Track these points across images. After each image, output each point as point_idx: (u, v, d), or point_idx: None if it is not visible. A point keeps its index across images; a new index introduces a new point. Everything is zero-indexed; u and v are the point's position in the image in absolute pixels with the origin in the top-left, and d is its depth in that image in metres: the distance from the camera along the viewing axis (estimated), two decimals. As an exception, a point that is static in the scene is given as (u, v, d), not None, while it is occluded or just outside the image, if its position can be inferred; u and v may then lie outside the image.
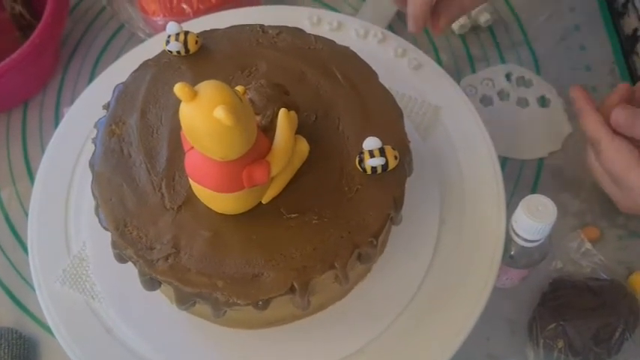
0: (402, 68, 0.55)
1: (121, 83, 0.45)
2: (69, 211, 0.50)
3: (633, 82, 0.62)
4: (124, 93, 0.45)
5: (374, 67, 0.46)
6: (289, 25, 0.47)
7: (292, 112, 0.40)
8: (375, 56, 0.54)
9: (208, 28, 0.48)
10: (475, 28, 0.65)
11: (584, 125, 0.49)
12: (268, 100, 0.40)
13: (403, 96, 0.53)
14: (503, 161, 0.57)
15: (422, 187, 0.48)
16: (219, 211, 0.39)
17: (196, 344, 0.45)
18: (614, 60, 0.63)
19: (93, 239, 0.48)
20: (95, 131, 0.44)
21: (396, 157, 0.39)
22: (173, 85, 0.31)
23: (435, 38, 0.65)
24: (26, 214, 0.54)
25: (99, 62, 0.65)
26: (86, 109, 0.53)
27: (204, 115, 0.32)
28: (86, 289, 0.47)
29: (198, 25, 0.51)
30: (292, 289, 0.37)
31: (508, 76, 0.62)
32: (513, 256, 0.47)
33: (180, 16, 0.61)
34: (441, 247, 0.47)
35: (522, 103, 0.60)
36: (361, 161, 0.39)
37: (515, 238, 0.45)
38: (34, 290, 0.47)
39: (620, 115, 0.46)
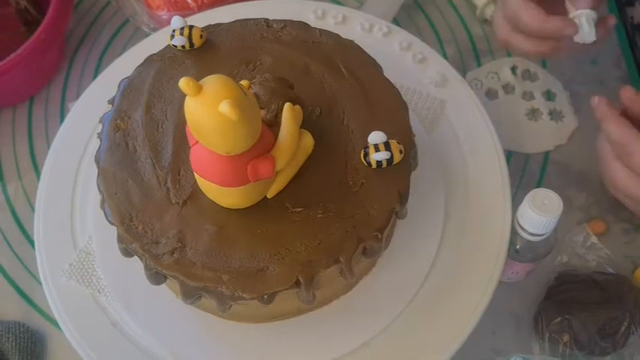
0: (407, 62, 0.55)
1: (126, 78, 0.45)
2: (75, 206, 0.50)
3: (639, 71, 0.62)
4: (128, 88, 0.45)
5: (379, 61, 0.46)
6: (294, 19, 0.47)
7: (297, 107, 0.40)
8: (380, 50, 0.54)
9: (213, 23, 0.47)
10: (481, 22, 0.65)
11: (609, 130, 0.46)
12: (273, 94, 0.40)
13: (408, 90, 0.53)
14: (509, 155, 0.57)
15: (427, 181, 0.48)
16: (225, 206, 0.39)
17: (202, 338, 0.45)
18: (620, 52, 0.62)
19: (99, 234, 0.48)
20: (100, 126, 0.44)
21: (401, 151, 0.39)
22: (178, 80, 0.32)
23: (440, 31, 0.65)
24: (32, 209, 0.54)
25: (104, 57, 0.65)
26: (91, 103, 0.53)
27: (209, 110, 0.32)
28: (92, 283, 0.47)
29: (203, 19, 0.51)
30: (297, 283, 0.37)
31: (513, 70, 0.61)
32: (519, 250, 0.47)
33: (185, 11, 0.61)
34: (446, 241, 0.47)
35: (528, 96, 0.60)
36: (366, 155, 0.39)
37: (521, 232, 0.45)
38: (40, 284, 0.48)
39: (629, 90, 0.47)
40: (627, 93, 0.47)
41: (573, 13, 0.48)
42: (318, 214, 0.39)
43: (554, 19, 0.47)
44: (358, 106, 0.43)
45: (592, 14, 0.48)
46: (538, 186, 0.55)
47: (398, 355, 0.44)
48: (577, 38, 0.48)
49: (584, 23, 0.47)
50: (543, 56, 0.51)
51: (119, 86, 0.45)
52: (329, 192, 0.40)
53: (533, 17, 0.48)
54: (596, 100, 0.48)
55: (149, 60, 0.46)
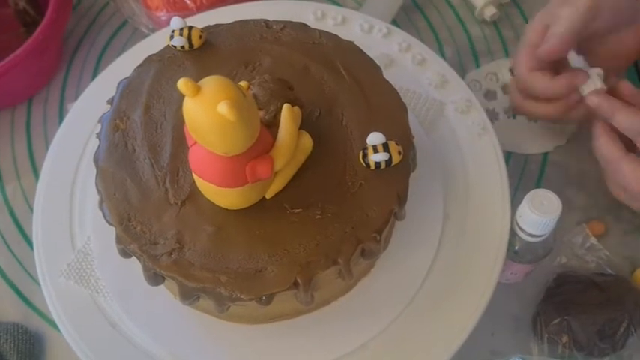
0: (406, 63, 0.55)
1: (125, 78, 0.45)
2: (73, 206, 0.50)
3: (638, 76, 0.62)
4: (127, 88, 0.45)
5: (378, 62, 0.45)
6: (293, 20, 0.47)
7: (296, 108, 0.40)
8: (380, 51, 0.54)
9: (212, 23, 0.47)
10: (479, 23, 0.65)
11: (621, 121, 0.46)
12: (272, 95, 0.40)
13: (407, 91, 0.53)
14: (508, 156, 0.57)
15: (426, 182, 0.48)
16: (223, 207, 0.39)
17: (200, 339, 0.45)
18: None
19: (97, 234, 0.48)
20: (99, 126, 0.44)
21: (399, 153, 0.39)
22: (177, 81, 0.32)
23: (439, 32, 0.65)
24: (31, 210, 0.54)
25: (102, 58, 0.65)
26: (90, 104, 0.53)
27: (208, 110, 0.32)
28: (91, 284, 0.47)
29: (202, 20, 0.51)
30: (296, 284, 0.37)
31: (512, 71, 0.61)
32: (518, 251, 0.47)
33: (184, 12, 0.61)
34: (444, 243, 0.47)
35: (527, 97, 0.60)
36: (365, 156, 0.39)
37: (520, 233, 0.45)
38: (39, 285, 0.47)
39: (628, 85, 0.48)
40: (627, 86, 0.48)
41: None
42: (316, 215, 0.39)
43: (560, 77, 0.49)
44: (357, 107, 0.43)
45: (599, 72, 0.49)
46: (537, 187, 0.55)
47: (396, 357, 0.44)
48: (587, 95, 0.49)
49: (595, 80, 0.49)
50: (558, 118, 0.52)
51: (118, 87, 0.45)
52: (327, 193, 0.40)
53: (540, 82, 0.50)
54: (595, 97, 0.48)
55: (148, 60, 0.46)
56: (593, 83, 0.48)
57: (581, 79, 0.49)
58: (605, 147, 0.48)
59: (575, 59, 0.52)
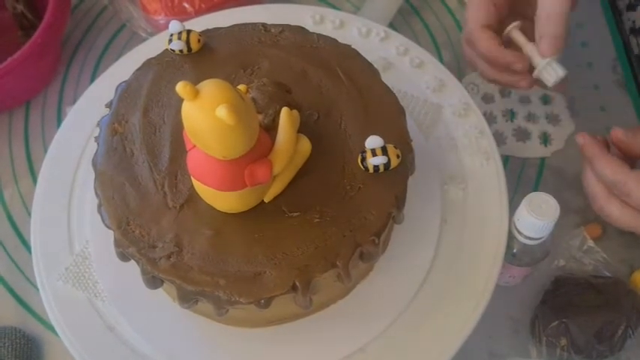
0: (404, 67, 0.55)
1: (124, 82, 0.45)
2: (72, 210, 0.50)
3: (635, 79, 0.62)
4: (126, 91, 0.45)
5: (376, 66, 0.46)
6: (292, 24, 0.47)
7: (294, 111, 0.40)
8: (378, 54, 0.54)
9: (210, 27, 0.48)
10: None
11: (602, 172, 0.45)
12: (270, 98, 0.40)
13: (405, 94, 0.53)
14: (506, 159, 0.57)
15: (424, 185, 0.48)
16: (222, 210, 0.39)
17: (198, 343, 0.45)
18: (616, 57, 0.63)
19: (95, 237, 0.48)
20: (98, 130, 0.44)
21: (398, 156, 0.39)
22: (175, 84, 0.32)
23: (437, 36, 0.65)
24: (29, 213, 0.54)
25: (101, 61, 0.65)
26: (89, 107, 0.53)
27: (206, 114, 0.32)
28: (89, 288, 0.47)
29: (201, 23, 0.51)
30: (294, 288, 0.37)
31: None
32: (515, 254, 0.47)
33: (182, 15, 0.61)
34: (443, 246, 0.47)
35: (524, 100, 0.60)
36: (363, 160, 0.39)
37: (518, 236, 0.45)
38: (37, 289, 0.47)
39: (619, 132, 0.47)
40: (617, 134, 0.47)
41: (538, 61, 0.48)
42: (315, 218, 0.39)
43: (506, 53, 0.48)
44: (356, 110, 0.43)
45: (554, 64, 0.48)
46: (535, 190, 0.56)
47: (395, 360, 0.44)
48: (541, 77, 0.48)
49: (544, 72, 0.48)
50: (502, 85, 0.52)
51: (117, 90, 0.45)
52: (326, 196, 0.40)
53: (485, 47, 0.49)
54: (581, 139, 0.47)
55: (147, 64, 0.46)
56: (554, 72, 0.47)
57: (520, 65, 0.48)
58: (609, 169, 0.46)
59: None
